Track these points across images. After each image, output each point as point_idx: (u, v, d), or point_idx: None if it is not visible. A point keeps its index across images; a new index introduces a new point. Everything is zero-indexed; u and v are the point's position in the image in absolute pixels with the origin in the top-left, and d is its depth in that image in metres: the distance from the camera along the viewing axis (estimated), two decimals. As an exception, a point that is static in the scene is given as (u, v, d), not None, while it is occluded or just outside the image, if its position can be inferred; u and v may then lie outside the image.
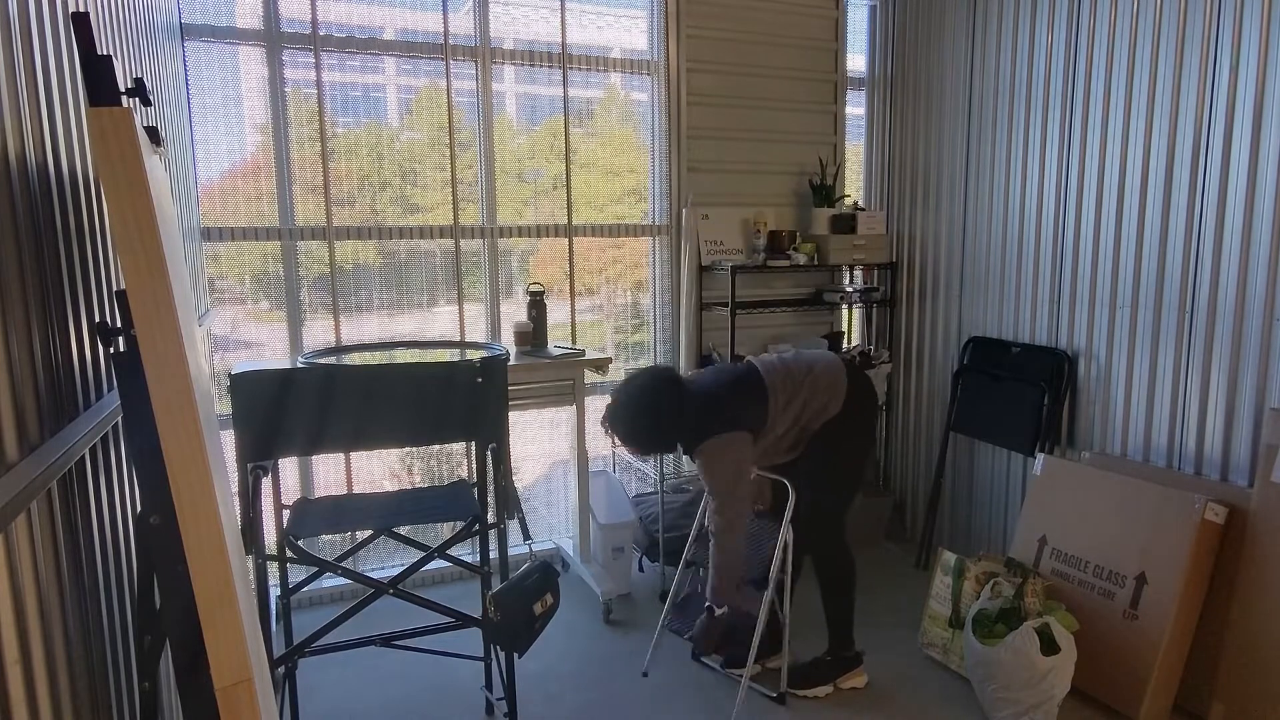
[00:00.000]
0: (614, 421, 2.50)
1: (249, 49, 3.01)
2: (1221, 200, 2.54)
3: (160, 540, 1.23)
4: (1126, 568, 2.54)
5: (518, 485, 2.94)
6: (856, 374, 2.56)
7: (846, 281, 3.99)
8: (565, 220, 3.53)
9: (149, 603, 1.40)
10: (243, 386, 1.93)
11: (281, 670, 2.33)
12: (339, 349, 2.79)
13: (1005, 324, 3.36)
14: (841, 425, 2.52)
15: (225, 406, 2.62)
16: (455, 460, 3.62)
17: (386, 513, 2.30)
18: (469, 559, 3.28)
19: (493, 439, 2.20)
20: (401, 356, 2.90)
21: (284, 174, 3.08)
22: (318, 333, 3.21)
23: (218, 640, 1.07)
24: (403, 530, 2.41)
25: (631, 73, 3.60)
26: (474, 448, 3.15)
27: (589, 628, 3.09)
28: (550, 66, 3.43)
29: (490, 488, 2.24)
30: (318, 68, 3.06)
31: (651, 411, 2.45)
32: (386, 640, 2.32)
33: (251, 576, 2.01)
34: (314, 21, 3.03)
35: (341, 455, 3.22)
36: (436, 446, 3.59)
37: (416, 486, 3.11)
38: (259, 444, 1.97)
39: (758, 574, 2.71)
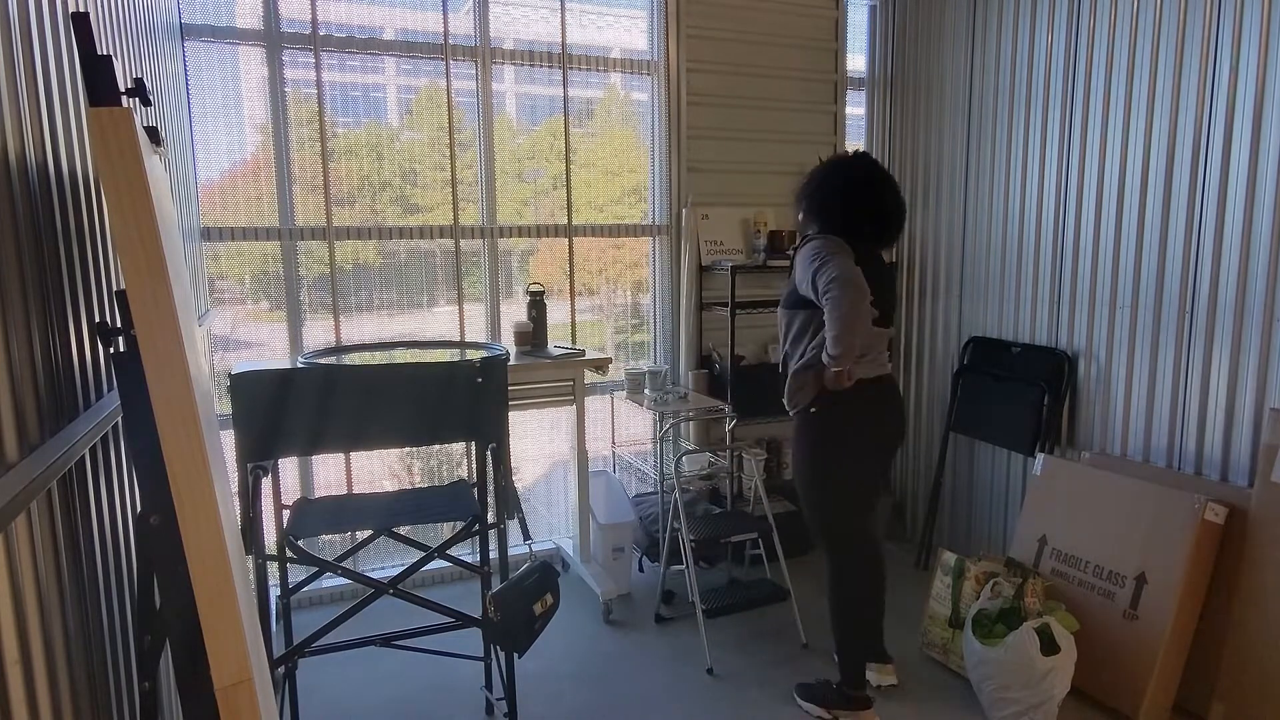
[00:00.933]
0: (815, 176, 2.46)
1: (249, 49, 3.01)
2: (1221, 200, 2.54)
3: (160, 540, 1.23)
4: (1126, 568, 2.54)
5: (518, 485, 2.95)
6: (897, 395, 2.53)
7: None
8: (565, 220, 3.53)
9: (149, 603, 1.40)
10: (243, 386, 1.93)
11: (281, 670, 2.33)
12: (339, 349, 2.79)
13: (1005, 324, 3.36)
14: (869, 404, 2.40)
15: (225, 406, 2.62)
16: (455, 460, 3.62)
17: (386, 513, 2.30)
18: (469, 559, 3.28)
19: (493, 439, 2.20)
20: (401, 356, 2.90)
21: (284, 174, 3.08)
22: (318, 333, 3.21)
23: (218, 640, 1.07)
24: (403, 530, 2.41)
25: (631, 73, 3.60)
26: (474, 448, 3.16)
27: (589, 628, 3.09)
28: (550, 66, 3.43)
29: (490, 488, 2.24)
30: (318, 68, 3.06)
31: (843, 191, 2.39)
32: (386, 640, 2.32)
33: (251, 576, 2.01)
34: (314, 21, 3.03)
35: (341, 455, 3.22)
36: (436, 446, 3.59)
37: (416, 486, 3.11)
38: (259, 444, 1.97)
39: None
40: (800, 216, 2.54)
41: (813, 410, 2.41)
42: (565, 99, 3.46)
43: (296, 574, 2.46)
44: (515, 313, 3.42)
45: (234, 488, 1.97)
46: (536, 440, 3.69)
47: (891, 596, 3.26)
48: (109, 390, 1.58)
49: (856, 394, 2.33)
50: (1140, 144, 2.77)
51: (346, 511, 2.35)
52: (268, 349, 3.20)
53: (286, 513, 2.33)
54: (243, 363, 3.03)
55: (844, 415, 2.39)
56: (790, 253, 3.61)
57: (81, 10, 1.32)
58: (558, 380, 3.14)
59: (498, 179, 3.39)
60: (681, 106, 3.57)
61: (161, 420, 1.07)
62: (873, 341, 2.40)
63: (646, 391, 3.42)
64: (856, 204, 2.40)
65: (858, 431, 2.43)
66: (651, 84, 3.62)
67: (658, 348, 3.81)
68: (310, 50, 3.05)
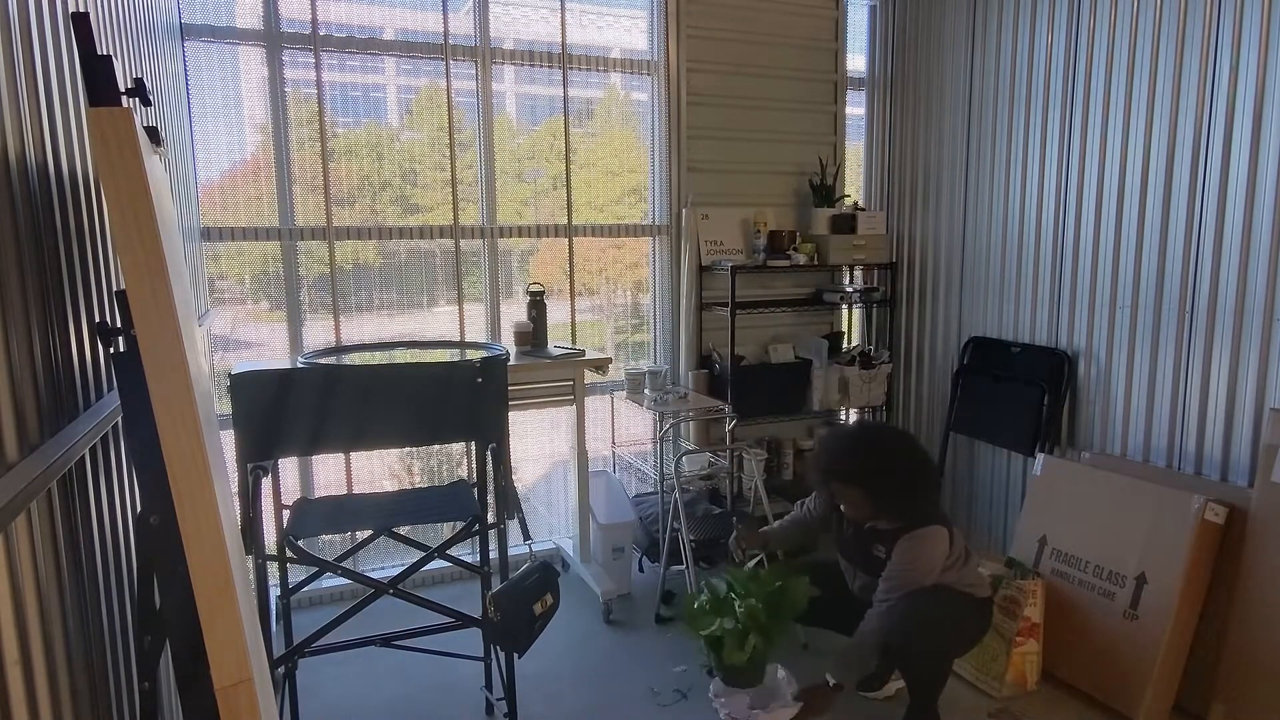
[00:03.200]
0: (858, 464, 2.28)
1: (249, 49, 3.01)
2: (1221, 200, 2.54)
3: (160, 540, 1.23)
4: (1126, 568, 2.54)
5: (518, 485, 2.94)
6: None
7: (846, 281, 3.99)
8: (565, 220, 3.53)
9: (149, 603, 1.40)
10: (243, 386, 1.93)
11: (281, 670, 2.33)
12: (339, 349, 2.79)
13: (1005, 324, 3.36)
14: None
15: (225, 406, 2.62)
16: (455, 460, 3.62)
17: (386, 513, 2.30)
18: (469, 559, 3.28)
19: (493, 439, 2.19)
20: (401, 356, 2.90)
21: (284, 174, 3.08)
22: (318, 333, 3.21)
23: (218, 640, 1.07)
24: (403, 530, 2.41)
25: (631, 73, 3.60)
26: (474, 448, 3.15)
27: (589, 628, 3.09)
28: (550, 66, 3.43)
29: (490, 488, 2.24)
30: (318, 68, 3.06)
31: (909, 470, 2.27)
32: (386, 640, 2.32)
33: (251, 576, 2.01)
34: (314, 21, 3.03)
35: (341, 455, 3.22)
36: (436, 446, 3.59)
37: (416, 486, 3.11)
38: (259, 444, 1.97)
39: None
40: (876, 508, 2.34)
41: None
42: (565, 99, 3.46)
43: (296, 574, 2.46)
44: (515, 313, 3.41)
45: (234, 488, 1.97)
46: (536, 440, 3.69)
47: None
48: (109, 390, 1.58)
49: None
50: (1140, 144, 2.77)
51: (346, 511, 2.35)
52: (268, 349, 3.20)
53: (286, 513, 2.33)
54: (243, 363, 3.03)
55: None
56: (790, 253, 3.60)
57: (81, 10, 1.32)
58: (558, 380, 3.14)
59: (498, 179, 3.39)
60: (681, 106, 3.57)
61: (161, 420, 1.07)
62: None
63: (646, 391, 3.42)
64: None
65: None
66: (651, 84, 3.62)
67: (658, 348, 3.81)
68: (310, 50, 3.05)
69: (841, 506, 2.41)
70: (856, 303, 3.92)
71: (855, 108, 3.94)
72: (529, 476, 3.75)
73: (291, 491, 3.15)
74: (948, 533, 2.28)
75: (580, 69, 3.49)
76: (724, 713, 2.45)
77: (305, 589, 2.62)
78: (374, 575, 2.69)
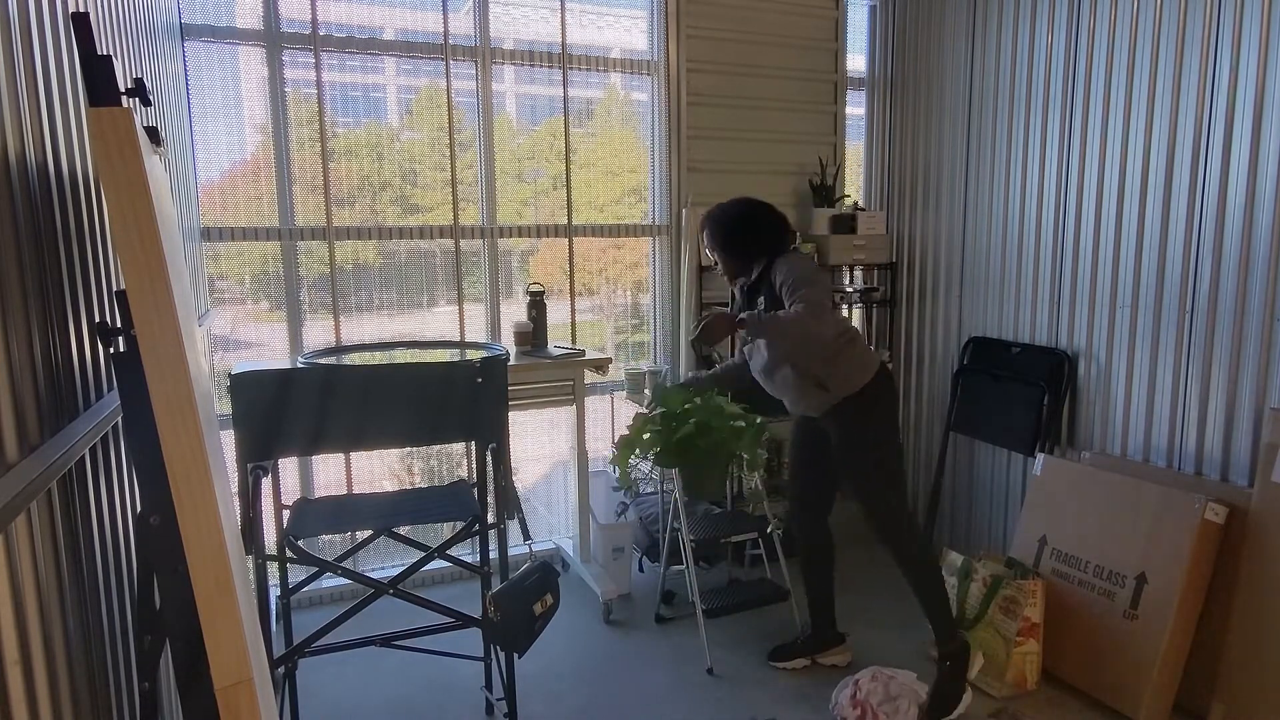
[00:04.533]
0: (718, 216, 2.64)
1: (249, 49, 3.01)
2: (1221, 200, 2.54)
3: (160, 540, 1.23)
4: (1126, 568, 2.54)
5: (518, 485, 2.94)
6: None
7: (846, 281, 3.99)
8: (565, 220, 3.53)
9: (149, 603, 1.40)
10: (243, 386, 1.93)
11: (281, 670, 2.33)
12: (339, 349, 2.79)
13: (1005, 324, 3.36)
14: (867, 405, 2.51)
15: (225, 406, 2.62)
16: (455, 460, 3.62)
17: (386, 513, 2.30)
18: (469, 559, 3.28)
19: (493, 439, 2.19)
20: (401, 356, 2.90)
21: (284, 174, 3.08)
22: (318, 333, 3.21)
23: (218, 640, 1.07)
24: (403, 530, 2.41)
25: (631, 73, 3.60)
26: (474, 448, 3.15)
27: (589, 628, 3.09)
28: (550, 66, 3.43)
29: (490, 488, 2.24)
30: (318, 68, 3.06)
31: (754, 220, 2.60)
32: (386, 640, 2.32)
33: (251, 576, 2.01)
34: (314, 22, 3.03)
35: (341, 455, 3.22)
36: (436, 446, 3.59)
37: (416, 486, 3.11)
38: (259, 444, 1.97)
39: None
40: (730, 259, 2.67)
41: (862, 394, 2.50)
42: (565, 99, 3.46)
43: (296, 574, 2.46)
44: (515, 313, 3.41)
45: (234, 488, 1.97)
46: (536, 440, 3.69)
47: (892, 596, 3.27)
48: (109, 390, 1.58)
49: (884, 376, 2.54)
50: (1140, 144, 2.77)
51: (346, 511, 2.35)
52: (268, 349, 3.20)
53: (286, 513, 2.33)
54: (243, 363, 3.03)
55: (887, 396, 2.56)
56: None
57: (81, 10, 1.32)
58: (558, 380, 3.14)
59: (498, 179, 3.39)
60: (681, 106, 3.57)
61: (161, 420, 1.07)
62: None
63: (646, 391, 3.42)
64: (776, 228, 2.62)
65: (894, 412, 2.62)
66: (651, 84, 3.62)
67: (658, 348, 3.81)
68: (310, 50, 3.05)
69: (727, 280, 2.74)
70: (856, 303, 3.92)
71: (855, 108, 3.94)
72: (529, 476, 3.75)
73: (291, 491, 3.15)
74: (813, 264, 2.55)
75: (580, 69, 3.49)
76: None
77: (305, 589, 2.62)
78: (374, 575, 2.69)
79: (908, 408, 3.93)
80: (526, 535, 2.42)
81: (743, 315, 2.44)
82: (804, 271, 2.45)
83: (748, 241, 2.60)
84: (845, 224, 3.68)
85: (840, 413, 2.52)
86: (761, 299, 2.56)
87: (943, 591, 2.57)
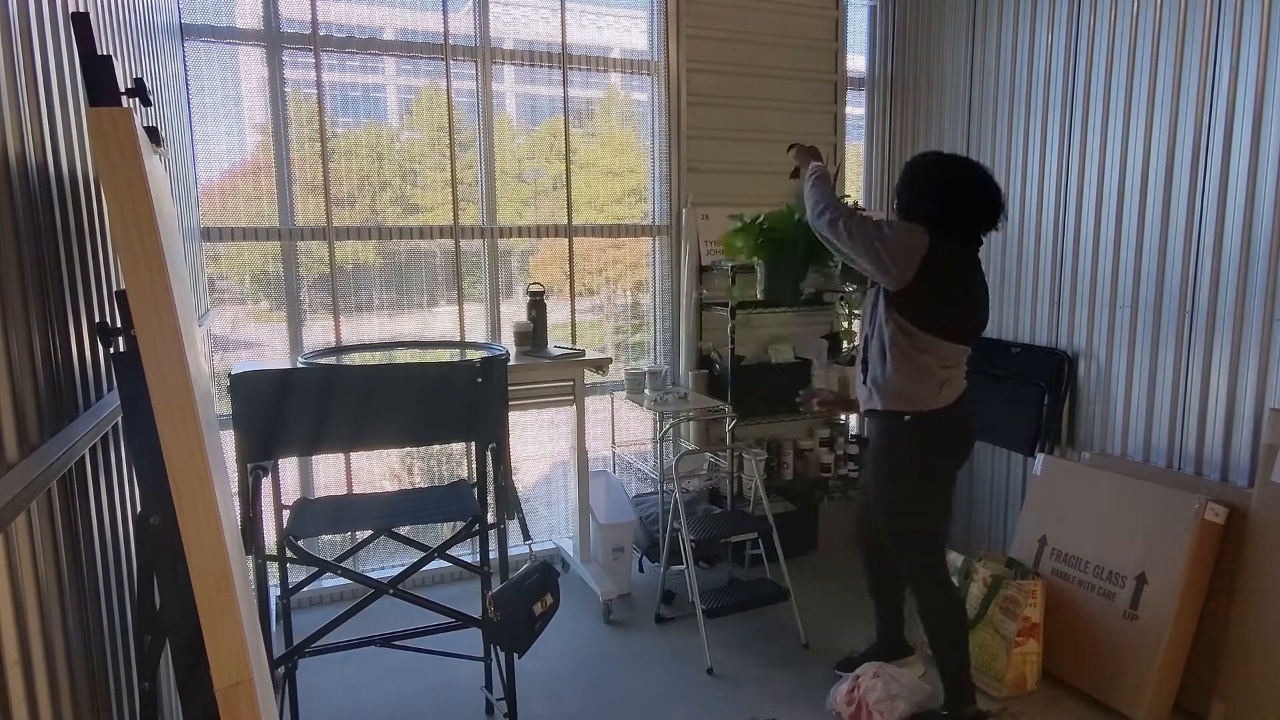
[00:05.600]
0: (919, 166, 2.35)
1: (249, 49, 3.01)
2: (1221, 200, 2.54)
3: (160, 540, 1.23)
4: (1126, 568, 2.54)
5: (518, 485, 2.94)
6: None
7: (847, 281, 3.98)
8: (565, 220, 3.53)
9: (149, 603, 1.40)
10: (243, 386, 1.93)
11: (281, 670, 2.33)
12: (339, 349, 2.79)
13: (1005, 324, 3.36)
14: (909, 435, 2.27)
15: (225, 406, 2.62)
16: (455, 460, 3.62)
17: (386, 513, 2.30)
18: (469, 559, 3.28)
19: (493, 439, 2.19)
20: (401, 356, 2.90)
21: (284, 174, 3.08)
22: (318, 333, 3.21)
23: (218, 640, 1.07)
24: (403, 530, 2.41)
25: (631, 73, 3.60)
26: (474, 448, 3.15)
27: (589, 628, 3.09)
28: (550, 66, 3.43)
29: (490, 488, 2.24)
30: (318, 68, 3.06)
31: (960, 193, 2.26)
32: (386, 640, 2.32)
33: (251, 576, 2.01)
34: (314, 22, 3.03)
35: (341, 455, 3.22)
36: (436, 446, 3.59)
37: (416, 486, 3.11)
38: (259, 444, 1.97)
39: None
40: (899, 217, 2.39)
41: (907, 419, 2.26)
42: (565, 99, 3.46)
43: (296, 574, 2.46)
44: (515, 313, 3.41)
45: (234, 488, 1.97)
46: (536, 440, 3.69)
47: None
48: (109, 390, 1.58)
49: (950, 410, 2.26)
50: (1140, 144, 2.77)
51: (346, 511, 2.35)
52: (268, 349, 3.20)
53: (286, 513, 2.33)
54: (243, 363, 3.03)
55: (939, 427, 2.27)
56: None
57: (81, 10, 1.32)
58: (558, 380, 3.14)
59: (498, 179, 3.39)
60: (681, 106, 3.57)
61: (161, 420, 1.07)
62: (958, 358, 2.30)
63: (646, 391, 3.42)
64: (954, 203, 2.26)
65: (949, 448, 2.33)
66: (651, 84, 3.62)
67: (658, 348, 3.81)
68: (310, 50, 3.05)
69: None
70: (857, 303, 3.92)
71: (855, 108, 3.94)
72: (529, 476, 3.75)
73: (291, 491, 3.15)
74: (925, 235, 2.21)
75: (580, 69, 3.48)
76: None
77: (305, 589, 2.62)
78: (374, 575, 2.69)
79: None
80: (526, 535, 2.42)
81: (815, 165, 2.43)
82: (899, 234, 2.20)
83: (929, 209, 2.26)
84: (845, 224, 3.68)
85: (877, 421, 2.33)
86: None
87: (962, 649, 2.35)
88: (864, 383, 2.37)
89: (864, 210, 3.72)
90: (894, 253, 2.19)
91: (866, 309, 2.41)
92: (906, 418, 2.26)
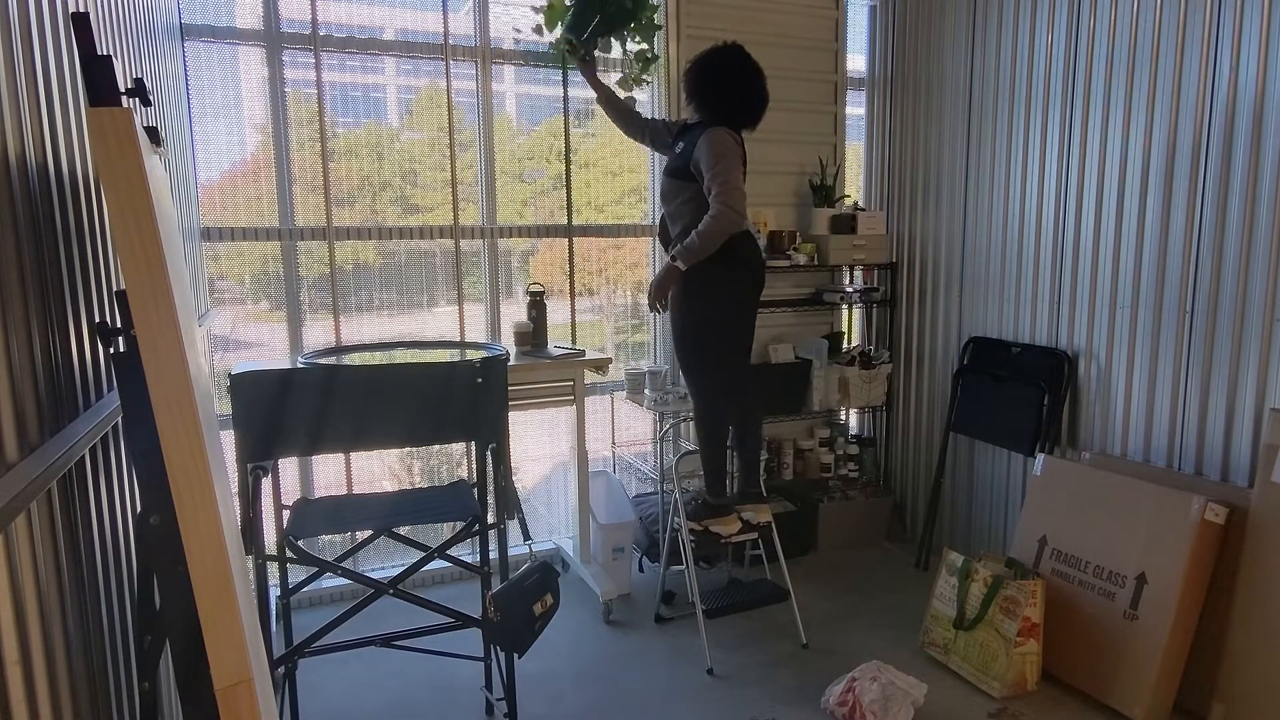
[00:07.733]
0: (696, 63, 2.77)
1: (249, 49, 3.01)
2: (1221, 200, 2.54)
3: (160, 540, 1.23)
4: (1126, 568, 2.54)
5: (518, 485, 2.95)
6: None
7: (846, 281, 3.99)
8: (565, 220, 3.53)
9: (149, 603, 1.40)
10: (243, 386, 1.93)
11: (281, 670, 2.33)
12: (339, 349, 2.79)
13: (1005, 324, 3.36)
14: (728, 267, 2.69)
15: (225, 406, 2.62)
16: (455, 460, 3.62)
17: (386, 513, 2.30)
18: (469, 559, 3.28)
19: (493, 439, 2.20)
20: (401, 356, 2.89)
21: (284, 174, 3.08)
22: (318, 333, 3.21)
23: (218, 640, 1.07)
24: (403, 530, 2.41)
25: (631, 73, 3.59)
26: (474, 448, 3.15)
27: (589, 628, 3.09)
28: (550, 66, 3.43)
29: (490, 488, 2.24)
30: (318, 68, 3.06)
31: (721, 75, 2.73)
32: (386, 640, 2.32)
33: (251, 576, 2.01)
34: (314, 22, 3.03)
35: (341, 455, 3.22)
36: (436, 446, 3.59)
37: (416, 486, 3.11)
38: (259, 444, 1.97)
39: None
40: (685, 100, 2.85)
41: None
42: (565, 99, 3.46)
43: (296, 574, 2.46)
44: (515, 313, 3.42)
45: (234, 488, 1.97)
46: (536, 440, 3.69)
47: (891, 596, 3.27)
48: (109, 390, 1.58)
49: (736, 246, 2.69)
50: (1140, 144, 2.77)
51: (346, 511, 2.35)
52: (268, 349, 3.20)
53: (286, 513, 2.33)
54: (243, 363, 3.03)
55: (727, 266, 2.70)
56: (790, 253, 3.61)
57: (81, 10, 1.32)
58: (558, 380, 3.14)
59: (498, 179, 3.39)
60: (682, 106, 3.56)
61: (161, 420, 1.07)
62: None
63: (646, 391, 3.42)
64: (738, 93, 2.74)
65: (739, 280, 2.76)
66: (651, 84, 3.62)
67: (658, 348, 3.81)
68: (310, 50, 3.05)
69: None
70: (856, 303, 3.92)
71: (855, 108, 3.94)
72: (529, 476, 3.75)
73: (291, 491, 3.15)
74: (736, 144, 2.68)
75: (580, 69, 3.48)
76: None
77: (305, 589, 2.62)
78: (374, 575, 2.69)
79: (908, 408, 3.94)
80: (526, 535, 2.42)
81: (674, 258, 2.68)
82: (722, 147, 2.61)
83: (704, 95, 2.74)
84: (845, 224, 3.68)
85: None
86: (681, 144, 2.76)
87: (720, 458, 2.91)
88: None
89: (862, 208, 3.74)
90: (739, 181, 2.64)
91: (681, 197, 2.78)
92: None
